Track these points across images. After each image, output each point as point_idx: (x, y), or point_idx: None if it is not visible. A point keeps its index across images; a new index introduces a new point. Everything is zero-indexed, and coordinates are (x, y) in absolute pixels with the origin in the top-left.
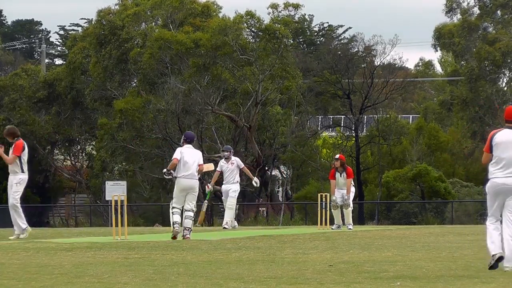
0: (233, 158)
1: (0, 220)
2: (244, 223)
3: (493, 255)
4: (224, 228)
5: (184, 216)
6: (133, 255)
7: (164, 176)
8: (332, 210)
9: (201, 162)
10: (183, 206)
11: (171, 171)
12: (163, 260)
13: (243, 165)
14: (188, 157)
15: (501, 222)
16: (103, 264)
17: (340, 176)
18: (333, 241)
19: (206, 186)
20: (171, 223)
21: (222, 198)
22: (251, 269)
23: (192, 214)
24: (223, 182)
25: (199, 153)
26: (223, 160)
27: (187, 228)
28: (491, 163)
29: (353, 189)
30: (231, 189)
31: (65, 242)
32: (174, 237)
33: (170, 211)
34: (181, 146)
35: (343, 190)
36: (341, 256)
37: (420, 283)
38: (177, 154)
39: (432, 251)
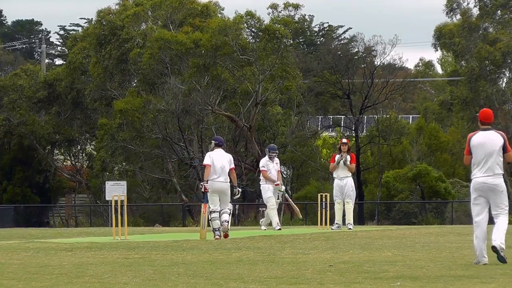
0: (276, 158)
1: (0, 220)
2: (244, 223)
3: (478, 260)
4: (279, 229)
5: (221, 213)
6: (133, 255)
7: (204, 185)
8: (334, 206)
9: (232, 165)
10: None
11: (205, 184)
12: (163, 260)
13: (279, 168)
14: (218, 160)
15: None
16: (103, 264)
17: (342, 162)
18: (333, 241)
19: (277, 185)
20: (212, 229)
21: (268, 195)
22: (251, 269)
23: (228, 211)
24: (267, 182)
25: (228, 156)
26: (266, 158)
27: (225, 221)
28: (473, 164)
29: (353, 188)
30: (279, 189)
31: (65, 242)
32: (225, 236)
33: (209, 217)
34: (211, 151)
35: (343, 181)
36: (341, 256)
37: (420, 283)
38: (207, 160)
39: (432, 251)
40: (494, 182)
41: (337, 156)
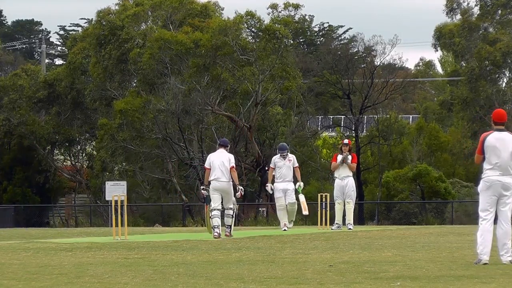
0: (290, 155)
1: (0, 220)
2: (244, 223)
3: (479, 259)
4: (288, 227)
5: (224, 215)
6: (133, 255)
7: (202, 191)
8: (335, 206)
9: (232, 164)
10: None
11: (207, 188)
12: (163, 260)
13: (297, 165)
14: (217, 160)
15: (494, 219)
16: (103, 264)
17: (343, 164)
18: (333, 241)
19: (266, 186)
20: (212, 226)
21: (277, 196)
22: (251, 269)
23: (231, 212)
24: (277, 180)
25: (228, 156)
26: (278, 156)
27: (228, 226)
28: (485, 163)
29: (354, 189)
30: (291, 188)
31: (65, 242)
32: (218, 236)
33: (210, 214)
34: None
35: (344, 181)
36: (341, 256)
37: (420, 283)
38: (207, 163)
39: (432, 251)
40: (506, 180)
41: (339, 156)
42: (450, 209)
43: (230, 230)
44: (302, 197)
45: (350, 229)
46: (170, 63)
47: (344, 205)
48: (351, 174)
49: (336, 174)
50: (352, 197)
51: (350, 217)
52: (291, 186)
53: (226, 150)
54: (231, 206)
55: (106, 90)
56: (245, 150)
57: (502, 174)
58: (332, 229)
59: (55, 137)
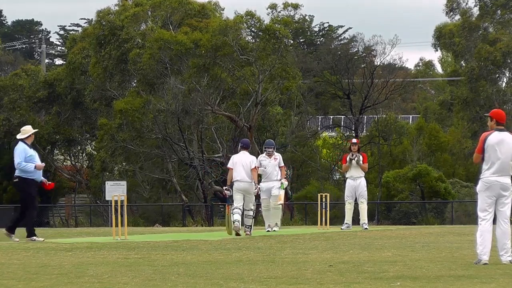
0: (276, 154)
1: (0, 220)
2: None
3: (479, 259)
4: (274, 230)
5: (244, 216)
6: (133, 255)
7: (225, 191)
8: (345, 206)
9: (253, 165)
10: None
11: (230, 188)
12: (163, 260)
13: (283, 164)
14: (239, 162)
15: (493, 219)
16: (103, 264)
17: (354, 161)
18: (333, 241)
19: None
20: (232, 221)
21: (262, 197)
22: (251, 269)
23: (251, 213)
24: (263, 179)
25: (251, 158)
26: (264, 155)
27: (248, 226)
28: (484, 164)
29: (366, 188)
30: (275, 186)
31: (65, 242)
32: (237, 234)
33: (231, 211)
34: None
35: (356, 182)
36: (341, 256)
37: (420, 283)
38: (230, 164)
39: (432, 251)
40: (505, 181)
41: (349, 156)
42: (450, 209)
43: (250, 229)
44: (282, 191)
45: (366, 228)
46: (170, 63)
47: (356, 205)
48: (363, 174)
49: (348, 175)
50: (365, 196)
51: (364, 217)
52: (277, 185)
53: (248, 152)
54: (252, 207)
55: (106, 90)
56: None
57: (501, 174)
58: (342, 229)
59: (55, 137)
